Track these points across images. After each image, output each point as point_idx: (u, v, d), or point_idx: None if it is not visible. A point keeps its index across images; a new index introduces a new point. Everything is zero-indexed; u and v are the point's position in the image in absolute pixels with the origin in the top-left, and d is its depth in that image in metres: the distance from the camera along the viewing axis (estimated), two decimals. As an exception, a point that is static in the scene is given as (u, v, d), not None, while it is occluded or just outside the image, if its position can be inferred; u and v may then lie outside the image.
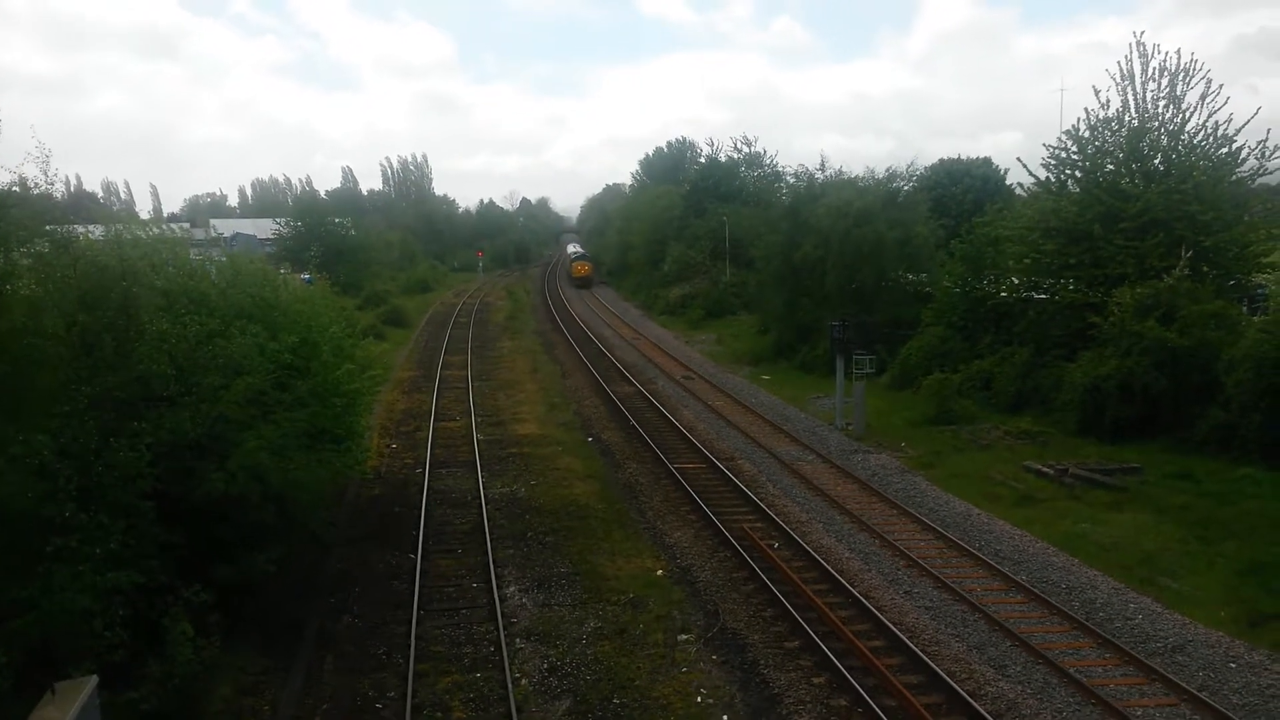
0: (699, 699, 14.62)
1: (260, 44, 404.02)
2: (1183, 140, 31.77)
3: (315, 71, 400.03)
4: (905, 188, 48.13)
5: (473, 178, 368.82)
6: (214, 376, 15.47)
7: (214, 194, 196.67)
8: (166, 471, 14.13)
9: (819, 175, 51.69)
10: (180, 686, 12.67)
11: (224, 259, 22.38)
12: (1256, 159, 30.95)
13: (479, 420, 33.70)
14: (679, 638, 16.70)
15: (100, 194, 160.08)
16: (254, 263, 22.52)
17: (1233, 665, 15.11)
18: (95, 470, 12.95)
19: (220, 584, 14.59)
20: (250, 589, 15.71)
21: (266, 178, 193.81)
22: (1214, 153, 31.32)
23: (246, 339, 16.59)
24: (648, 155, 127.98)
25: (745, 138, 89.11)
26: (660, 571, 19.78)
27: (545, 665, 15.69)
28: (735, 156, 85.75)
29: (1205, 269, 29.96)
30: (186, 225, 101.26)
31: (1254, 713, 13.72)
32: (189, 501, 14.51)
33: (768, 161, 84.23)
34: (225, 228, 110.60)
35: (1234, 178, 31.44)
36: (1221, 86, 30.40)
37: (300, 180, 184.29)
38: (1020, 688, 14.61)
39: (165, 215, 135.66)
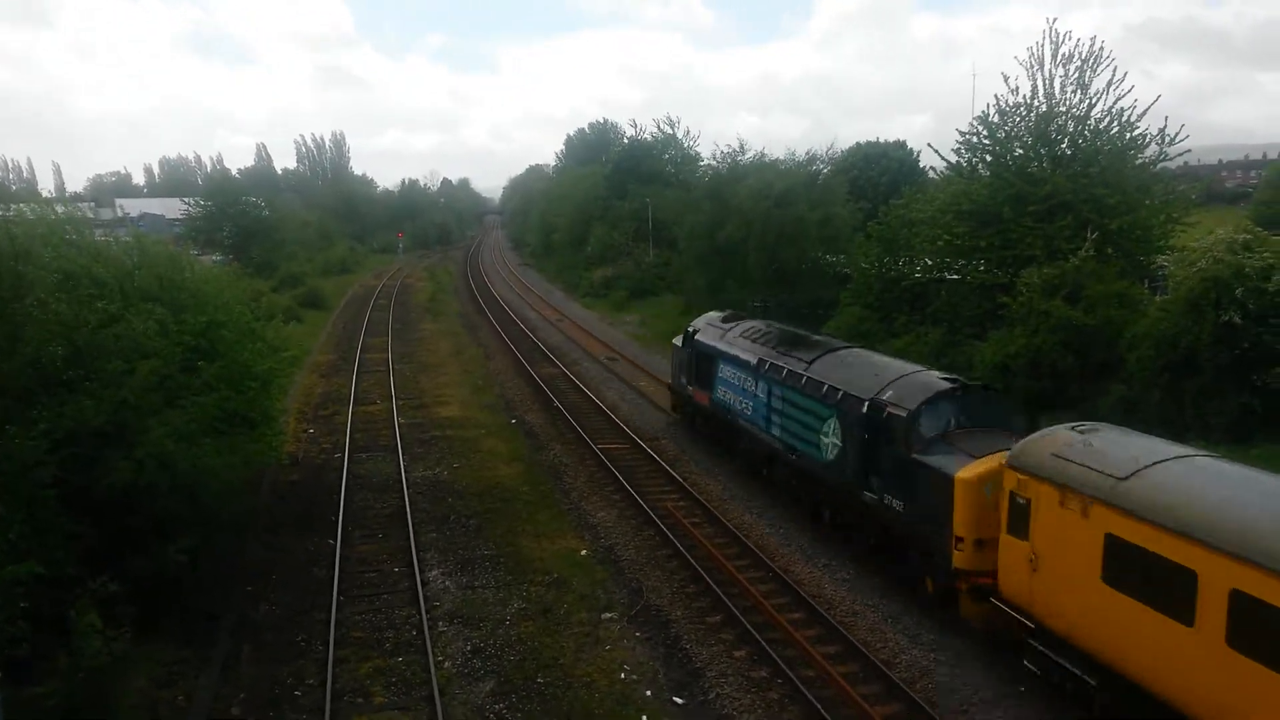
0: (623, 675, 14.76)
1: (143, 11, 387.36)
2: (1089, 125, 32.75)
3: (206, 43, 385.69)
4: (825, 170, 48.74)
5: (386, 156, 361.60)
6: (116, 361, 14.96)
7: (119, 172, 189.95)
8: (69, 460, 13.66)
9: (741, 158, 52.03)
10: (89, 680, 12.28)
11: (129, 239, 21.61)
12: (1158, 144, 32.11)
13: (400, 403, 33.24)
14: (603, 616, 16.82)
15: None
16: (159, 243, 21.81)
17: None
18: (-10, 459, 12.47)
19: (132, 575, 14.17)
20: (164, 580, 15.28)
21: (175, 155, 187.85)
22: (1119, 138, 32.36)
23: (149, 320, 16.07)
24: (571, 136, 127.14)
25: (669, 118, 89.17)
26: (584, 551, 19.85)
27: (468, 647, 15.64)
28: (659, 136, 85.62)
29: (1109, 250, 30.96)
30: (91, 205, 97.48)
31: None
32: (95, 491, 14.05)
33: (685, 144, 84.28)
34: (132, 207, 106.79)
35: (1138, 162, 32.56)
36: (1126, 74, 31.50)
37: (211, 158, 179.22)
38: (934, 654, 15.11)
39: (69, 194, 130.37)
